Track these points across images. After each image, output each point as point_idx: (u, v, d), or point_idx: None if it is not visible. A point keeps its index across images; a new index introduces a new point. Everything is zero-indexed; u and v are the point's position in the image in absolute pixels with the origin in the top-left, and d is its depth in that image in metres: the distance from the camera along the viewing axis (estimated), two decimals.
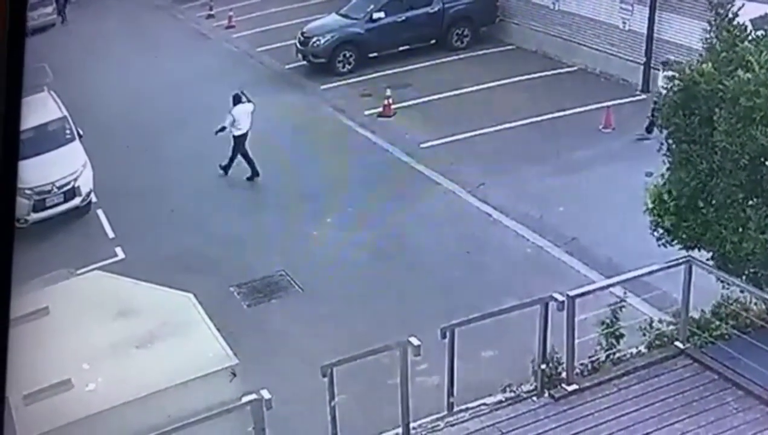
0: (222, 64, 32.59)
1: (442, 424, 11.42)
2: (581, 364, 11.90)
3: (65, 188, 20.66)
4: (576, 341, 11.51)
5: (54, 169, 20.61)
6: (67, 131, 21.74)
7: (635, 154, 20.10)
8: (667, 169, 12.28)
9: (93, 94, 27.27)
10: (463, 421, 11.34)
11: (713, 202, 11.73)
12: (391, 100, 25.73)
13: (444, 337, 11.38)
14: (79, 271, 14.69)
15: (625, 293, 12.72)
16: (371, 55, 29.66)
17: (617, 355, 12.11)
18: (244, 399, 9.89)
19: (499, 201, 20.07)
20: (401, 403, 11.01)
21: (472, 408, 11.53)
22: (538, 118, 23.85)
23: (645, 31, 25.41)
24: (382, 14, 29.97)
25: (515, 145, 22.65)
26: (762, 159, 11.24)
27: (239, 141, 22.26)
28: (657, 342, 12.29)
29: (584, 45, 27.74)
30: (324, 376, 11.08)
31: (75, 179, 20.82)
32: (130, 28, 36.23)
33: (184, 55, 33.87)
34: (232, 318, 15.21)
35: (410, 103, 26.21)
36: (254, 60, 32.81)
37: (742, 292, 12.07)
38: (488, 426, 11.17)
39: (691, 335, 12.02)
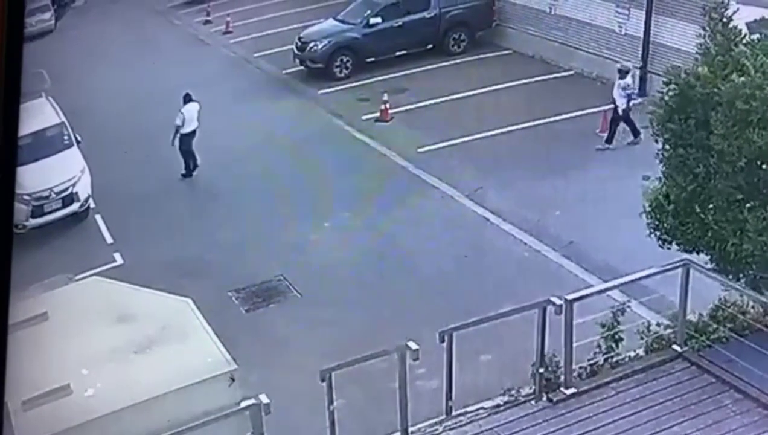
0: (220, 70, 32.64)
1: (441, 428, 11.44)
2: (579, 368, 11.92)
3: (63, 194, 20.69)
4: (574, 345, 11.53)
5: (52, 175, 20.64)
6: (65, 137, 21.77)
7: (632, 158, 20.13)
8: (663, 172, 12.30)
9: (91, 99, 27.32)
10: (461, 425, 11.36)
11: (711, 205, 11.75)
12: (388, 105, 25.76)
13: (442, 340, 11.39)
14: (77, 277, 14.73)
15: (629, 299, 12.75)
16: (368, 60, 29.70)
17: (615, 358, 12.13)
18: (243, 404, 9.91)
19: (496, 205, 20.10)
20: (400, 407, 11.03)
21: (471, 412, 11.54)
22: (535, 123, 23.88)
23: (641, 35, 25.46)
24: (379, 19, 30.01)
25: (512, 150, 22.67)
26: (759, 161, 11.28)
27: (186, 139, 22.80)
28: (655, 345, 12.31)
29: (581, 49, 27.78)
30: (323, 380, 11.09)
31: (73, 185, 20.85)
32: (128, 34, 36.29)
33: (182, 61, 33.91)
34: (231, 323, 15.23)
35: (408, 107, 26.23)
36: (252, 65, 32.85)
37: (740, 295, 12.10)
38: (486, 430, 11.19)
39: (688, 338, 12.04)
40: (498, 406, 11.58)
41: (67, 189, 20.75)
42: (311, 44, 29.98)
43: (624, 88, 22.24)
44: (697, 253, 12.21)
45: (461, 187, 21.15)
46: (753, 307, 12.19)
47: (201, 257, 18.84)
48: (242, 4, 40.16)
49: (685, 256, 12.14)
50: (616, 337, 12.10)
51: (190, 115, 22.92)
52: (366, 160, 23.62)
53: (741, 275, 11.84)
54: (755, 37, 12.11)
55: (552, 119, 23.79)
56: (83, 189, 21.01)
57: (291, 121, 26.38)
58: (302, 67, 30.38)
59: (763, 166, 11.32)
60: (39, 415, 9.55)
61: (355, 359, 11.21)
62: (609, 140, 22.35)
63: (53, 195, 20.55)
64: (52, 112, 22.09)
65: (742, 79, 11.10)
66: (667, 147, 12.20)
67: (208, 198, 21.90)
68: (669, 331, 12.35)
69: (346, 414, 11.59)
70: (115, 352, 10.50)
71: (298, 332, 15.97)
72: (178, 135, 22.78)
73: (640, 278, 12.39)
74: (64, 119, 21.99)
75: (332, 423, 11.29)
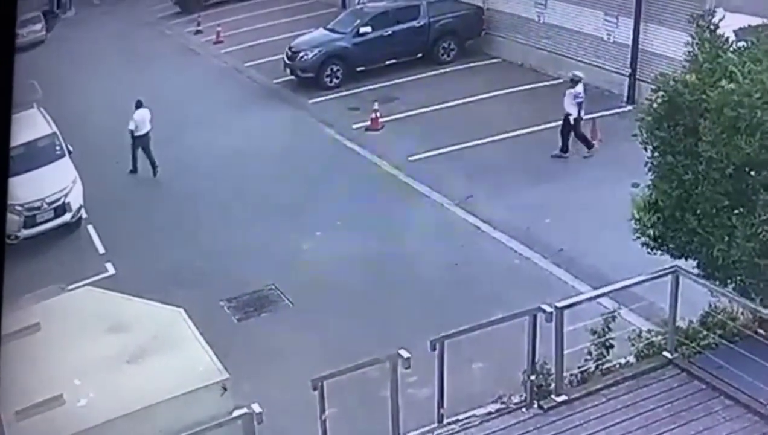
0: (210, 80, 32.72)
1: None
2: (570, 375, 11.96)
3: (55, 204, 20.71)
4: (565, 352, 11.57)
5: (44, 186, 20.66)
6: (57, 147, 21.80)
7: (622, 166, 20.18)
8: (651, 180, 12.36)
9: (82, 110, 27.35)
10: (453, 433, 11.37)
11: (698, 211, 11.80)
12: (378, 114, 25.83)
13: (434, 349, 11.42)
14: (69, 287, 14.72)
15: (619, 306, 12.80)
16: (359, 69, 29.79)
17: (606, 365, 12.17)
18: (236, 413, 9.93)
19: (486, 213, 20.16)
20: (391, 415, 11.04)
21: (462, 420, 11.56)
22: (525, 131, 23.97)
23: (630, 43, 25.57)
24: (368, 29, 30.11)
25: (502, 158, 22.74)
26: (747, 168, 11.34)
27: (139, 141, 23.93)
28: (645, 352, 12.35)
29: (569, 57, 27.87)
30: (315, 389, 11.11)
31: (65, 195, 20.87)
32: (120, 45, 36.34)
33: (173, 71, 33.97)
34: (223, 332, 15.25)
35: (398, 116, 26.31)
36: (242, 75, 32.90)
37: (729, 301, 12.15)
38: None
39: (679, 345, 12.07)
40: (489, 413, 11.60)
41: (59, 199, 20.77)
42: (301, 54, 30.05)
43: (575, 97, 22.35)
44: (686, 259, 12.26)
45: (451, 195, 21.21)
46: (742, 313, 12.23)
47: (193, 266, 18.87)
48: (233, 15, 40.28)
49: (673, 262, 12.20)
50: (607, 344, 12.14)
51: (142, 119, 23.98)
52: (356, 168, 23.68)
53: (729, 281, 11.89)
54: (742, 44, 12.18)
55: (541, 127, 23.86)
56: (75, 199, 21.03)
57: (281, 131, 26.45)
58: (293, 77, 30.45)
59: (752, 173, 11.38)
60: (32, 425, 9.56)
61: (347, 368, 11.23)
62: (564, 149, 22.45)
63: (45, 205, 20.57)
64: (44, 123, 22.12)
65: (731, 86, 11.16)
66: (656, 154, 12.25)
67: (200, 208, 21.92)
68: (659, 337, 12.39)
69: (338, 423, 11.61)
70: (108, 362, 10.52)
71: (290, 341, 15.99)
72: (133, 138, 23.99)
73: (629, 285, 12.43)
74: (55, 130, 22.03)
75: (324, 432, 11.32)
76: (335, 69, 29.73)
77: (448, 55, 30.73)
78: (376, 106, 26.11)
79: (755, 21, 14.18)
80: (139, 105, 24.26)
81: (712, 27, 12.01)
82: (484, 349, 13.92)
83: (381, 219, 20.29)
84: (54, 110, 23.12)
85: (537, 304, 11.50)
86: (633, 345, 12.45)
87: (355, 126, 26.12)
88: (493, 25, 31.23)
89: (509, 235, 19.20)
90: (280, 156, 24.27)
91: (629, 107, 24.41)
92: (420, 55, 30.54)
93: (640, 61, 25.32)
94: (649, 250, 12.46)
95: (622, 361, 12.29)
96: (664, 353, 12.12)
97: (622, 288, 12.59)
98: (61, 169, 21.50)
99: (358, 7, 33.51)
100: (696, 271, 12.15)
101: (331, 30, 30.89)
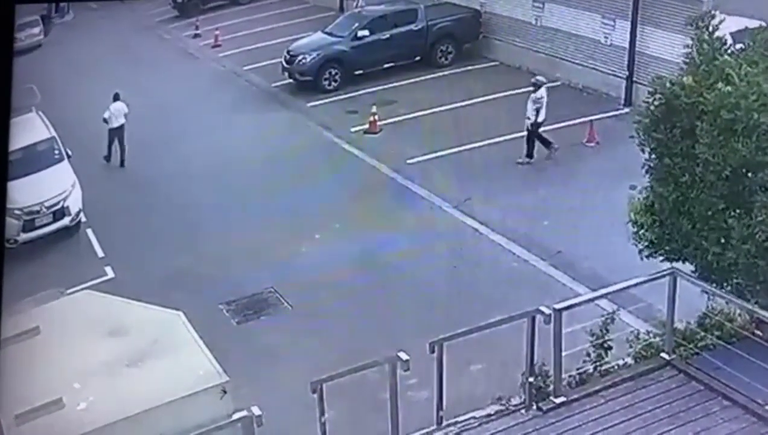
0: (209, 83, 32.64)
1: None
2: (569, 377, 11.97)
3: (54, 208, 20.67)
4: (563, 354, 11.59)
5: (43, 190, 20.62)
6: (56, 151, 21.76)
7: (620, 168, 20.18)
8: (649, 183, 12.38)
9: (81, 114, 27.30)
10: None
11: (695, 213, 11.82)
12: (377, 117, 25.81)
13: (433, 351, 11.43)
14: (69, 291, 14.71)
15: (617, 308, 12.81)
16: (357, 72, 29.73)
17: (604, 367, 12.18)
18: (235, 416, 9.94)
19: (485, 216, 20.15)
20: (390, 417, 11.07)
21: (461, 422, 11.58)
22: (523, 133, 23.93)
23: (627, 45, 25.56)
24: (366, 32, 30.07)
25: (501, 160, 22.72)
26: (744, 170, 11.36)
27: (114, 133, 24.62)
28: (643, 353, 12.37)
29: (567, 60, 27.84)
30: (314, 392, 11.12)
31: (64, 199, 20.83)
32: (118, 48, 36.25)
33: (172, 75, 33.89)
34: (222, 335, 15.24)
35: (396, 119, 26.27)
36: (241, 78, 32.85)
37: (726, 303, 12.16)
38: None
39: (676, 346, 12.10)
40: (488, 415, 11.62)
41: (58, 203, 20.74)
42: (300, 57, 30.02)
43: (535, 102, 22.40)
44: (683, 261, 12.28)
45: (450, 198, 21.20)
46: (740, 314, 12.25)
47: (192, 270, 18.84)
48: (231, 18, 40.21)
49: (671, 265, 12.22)
50: (605, 345, 12.16)
51: (117, 111, 24.68)
52: (355, 171, 23.66)
53: (725, 283, 11.91)
54: (739, 46, 12.21)
55: (540, 129, 23.81)
56: (74, 203, 20.99)
57: (280, 134, 26.40)
58: (291, 80, 30.39)
59: (748, 175, 11.40)
60: (32, 429, 9.58)
61: (346, 370, 11.25)
62: (529, 154, 22.48)
63: (44, 209, 20.54)
64: (43, 127, 22.08)
65: (727, 88, 11.19)
66: (653, 156, 12.27)
67: (199, 211, 21.88)
68: (657, 339, 12.40)
69: (337, 425, 11.62)
70: (107, 366, 10.53)
71: (289, 344, 15.98)
72: (107, 130, 24.67)
73: (627, 287, 12.45)
74: (54, 134, 21.98)
75: (323, 434, 11.33)
76: (333, 72, 29.69)
77: (446, 59, 30.68)
78: (374, 109, 26.07)
79: (752, 23, 14.20)
80: (116, 98, 24.86)
81: (710, 29, 12.04)
82: (483, 352, 13.92)
83: (379, 221, 20.24)
84: (52, 114, 23.08)
85: (535, 306, 11.52)
86: (631, 346, 12.47)
87: (353, 129, 26.09)
88: (491, 28, 31.17)
89: (507, 237, 19.19)
90: (278, 159, 24.22)
91: (626, 110, 24.39)
92: (418, 58, 30.48)
93: (637, 63, 25.30)
94: (646, 253, 12.49)
95: (621, 362, 12.31)
96: (662, 355, 12.15)
97: (620, 290, 12.61)
98: (59, 173, 21.46)
99: (356, 10, 33.45)
100: (694, 274, 12.17)
101: (330, 33, 30.85)
